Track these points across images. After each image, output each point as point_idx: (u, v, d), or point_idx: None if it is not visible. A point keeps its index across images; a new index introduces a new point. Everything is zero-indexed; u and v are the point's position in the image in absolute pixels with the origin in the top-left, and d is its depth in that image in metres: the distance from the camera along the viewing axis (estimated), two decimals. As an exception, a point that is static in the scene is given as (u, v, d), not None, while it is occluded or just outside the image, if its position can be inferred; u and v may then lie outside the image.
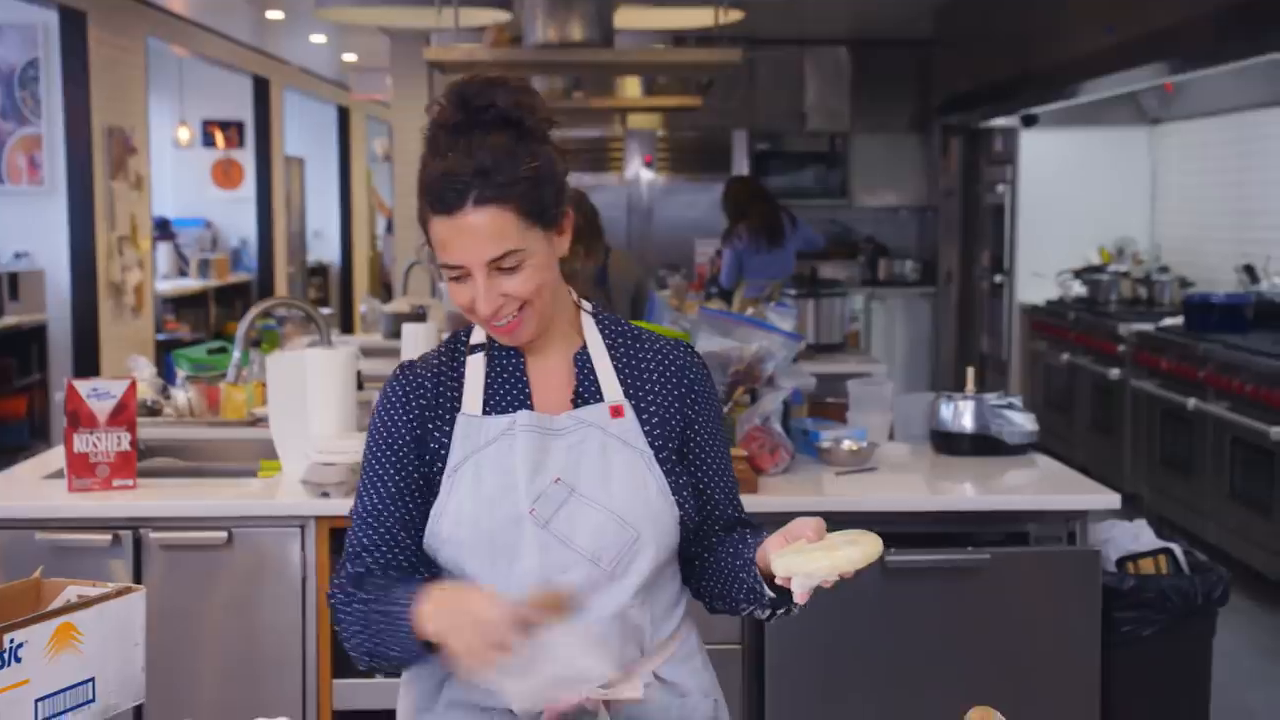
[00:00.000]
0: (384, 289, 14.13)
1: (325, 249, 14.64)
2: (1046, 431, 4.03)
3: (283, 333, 5.67)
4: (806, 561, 1.55)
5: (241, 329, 3.62)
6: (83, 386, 2.92)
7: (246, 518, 2.90)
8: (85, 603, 1.54)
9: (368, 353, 4.77)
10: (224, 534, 2.88)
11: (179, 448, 3.54)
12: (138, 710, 1.78)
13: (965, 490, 3.13)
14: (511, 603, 1.53)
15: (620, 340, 1.80)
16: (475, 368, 1.76)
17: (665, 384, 1.78)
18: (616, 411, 1.73)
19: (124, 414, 2.93)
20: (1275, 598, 5.17)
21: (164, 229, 11.27)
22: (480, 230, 1.61)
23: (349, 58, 12.09)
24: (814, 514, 1.67)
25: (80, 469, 2.91)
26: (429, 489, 1.73)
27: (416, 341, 3.72)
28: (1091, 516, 3.04)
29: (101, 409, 2.91)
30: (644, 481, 1.71)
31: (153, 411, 3.72)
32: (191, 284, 11.28)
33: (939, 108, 9.61)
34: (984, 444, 3.37)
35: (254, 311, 3.67)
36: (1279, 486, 5.21)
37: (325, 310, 9.96)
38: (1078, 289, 8.08)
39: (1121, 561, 3.15)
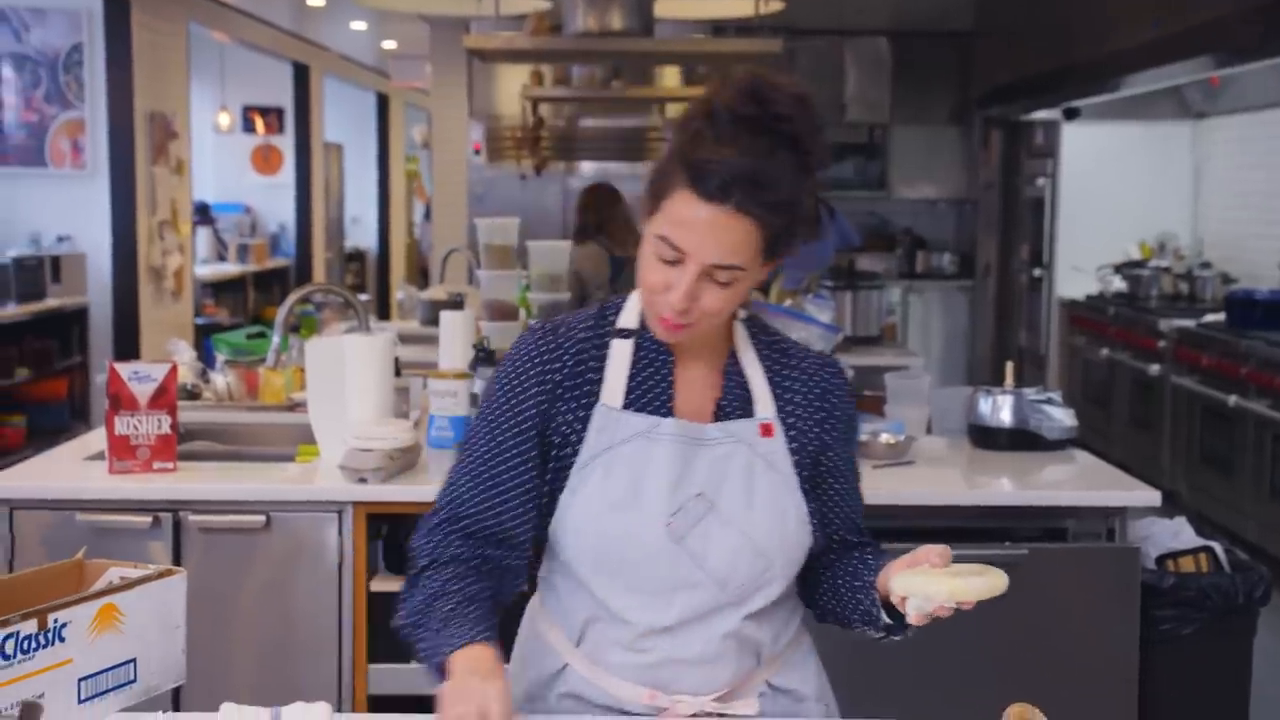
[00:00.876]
0: (421, 275, 14.18)
1: (363, 235, 14.71)
2: (1084, 427, 4.00)
3: (321, 318, 5.69)
4: (926, 583, 1.54)
5: (281, 314, 3.63)
6: (124, 370, 2.94)
7: (284, 502, 2.91)
8: (127, 584, 1.55)
9: (404, 339, 4.78)
10: (262, 518, 2.90)
11: (218, 431, 3.56)
12: (175, 692, 1.80)
13: (1003, 485, 3.11)
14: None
15: (770, 353, 1.72)
16: (621, 354, 1.66)
17: (809, 405, 1.71)
18: (767, 430, 1.66)
19: (165, 397, 2.95)
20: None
21: (204, 214, 11.35)
22: (724, 233, 1.54)
23: (389, 45, 12.12)
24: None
25: (121, 451, 2.93)
26: (544, 467, 1.66)
27: (454, 329, 3.71)
28: (1131, 513, 3.02)
29: (143, 392, 2.93)
30: (785, 509, 1.65)
31: (192, 395, 3.75)
32: (230, 269, 11.36)
33: (979, 100, 9.54)
34: (1022, 439, 3.35)
35: (293, 297, 3.68)
36: (1321, 486, 5.16)
37: (362, 296, 9.99)
38: (1118, 284, 8.01)
39: (1161, 559, 3.12)
